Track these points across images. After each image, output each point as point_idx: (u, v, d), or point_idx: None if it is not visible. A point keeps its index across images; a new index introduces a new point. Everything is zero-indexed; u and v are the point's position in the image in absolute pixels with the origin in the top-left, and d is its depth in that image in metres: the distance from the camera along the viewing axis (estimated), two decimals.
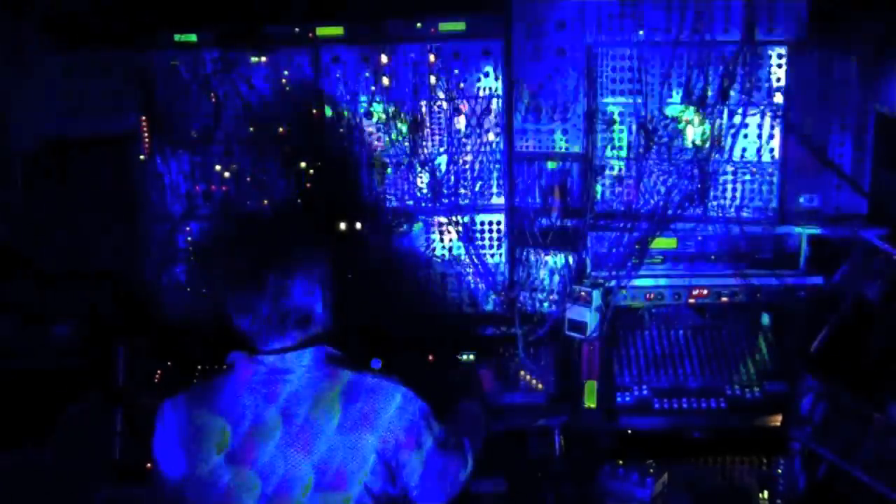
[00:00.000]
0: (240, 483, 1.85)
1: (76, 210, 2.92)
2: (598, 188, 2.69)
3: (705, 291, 2.69)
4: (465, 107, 2.75)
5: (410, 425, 1.92)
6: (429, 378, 2.62)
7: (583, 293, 2.63)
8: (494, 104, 2.74)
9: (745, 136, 2.58)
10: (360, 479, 1.85)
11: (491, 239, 2.85)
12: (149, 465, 2.59)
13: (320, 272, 1.98)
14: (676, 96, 2.58)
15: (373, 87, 2.76)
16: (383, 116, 2.77)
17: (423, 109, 2.76)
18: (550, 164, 2.75)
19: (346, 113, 2.78)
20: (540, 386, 2.76)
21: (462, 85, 2.73)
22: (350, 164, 2.81)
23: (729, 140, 2.58)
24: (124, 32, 2.80)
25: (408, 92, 2.75)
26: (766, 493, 2.57)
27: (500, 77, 2.72)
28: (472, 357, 2.80)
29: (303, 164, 2.83)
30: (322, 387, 1.91)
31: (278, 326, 1.91)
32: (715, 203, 2.64)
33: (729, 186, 2.63)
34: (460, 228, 2.83)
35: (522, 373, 2.79)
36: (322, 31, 2.76)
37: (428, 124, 2.77)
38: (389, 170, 2.82)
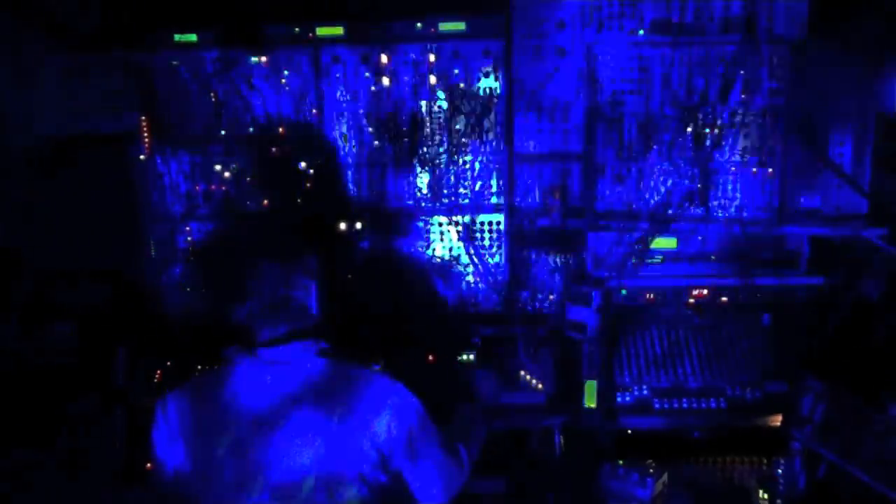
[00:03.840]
0: (242, 476, 1.87)
1: (76, 210, 2.92)
2: (599, 188, 2.69)
3: (705, 291, 2.69)
4: (465, 107, 2.75)
5: (404, 417, 1.94)
6: (429, 378, 2.62)
7: (583, 293, 2.63)
8: (494, 104, 2.74)
9: (746, 136, 2.58)
10: (358, 468, 1.87)
11: (491, 239, 2.85)
12: (149, 464, 2.61)
13: (315, 267, 2.04)
14: (677, 96, 2.58)
15: (373, 87, 2.76)
16: (383, 116, 2.77)
17: (423, 109, 2.76)
18: (550, 164, 2.75)
19: (346, 113, 2.78)
20: (540, 386, 2.76)
21: (462, 85, 2.73)
22: (350, 165, 2.81)
23: (729, 140, 2.58)
24: (124, 32, 2.80)
25: (408, 92, 2.75)
26: (766, 493, 2.56)
27: (500, 77, 2.72)
28: (472, 357, 2.79)
29: (303, 164, 2.83)
30: (318, 379, 1.94)
31: (272, 316, 1.95)
32: (715, 203, 2.64)
33: (729, 186, 2.63)
34: (460, 228, 2.83)
35: (522, 373, 2.79)
36: (322, 31, 2.76)
37: (428, 124, 2.77)
38: (390, 170, 2.82)
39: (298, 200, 2.83)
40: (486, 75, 2.72)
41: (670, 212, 2.65)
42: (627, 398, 2.74)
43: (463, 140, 2.77)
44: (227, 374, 1.97)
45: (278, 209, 2.83)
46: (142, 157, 2.86)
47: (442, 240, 2.86)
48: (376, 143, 2.80)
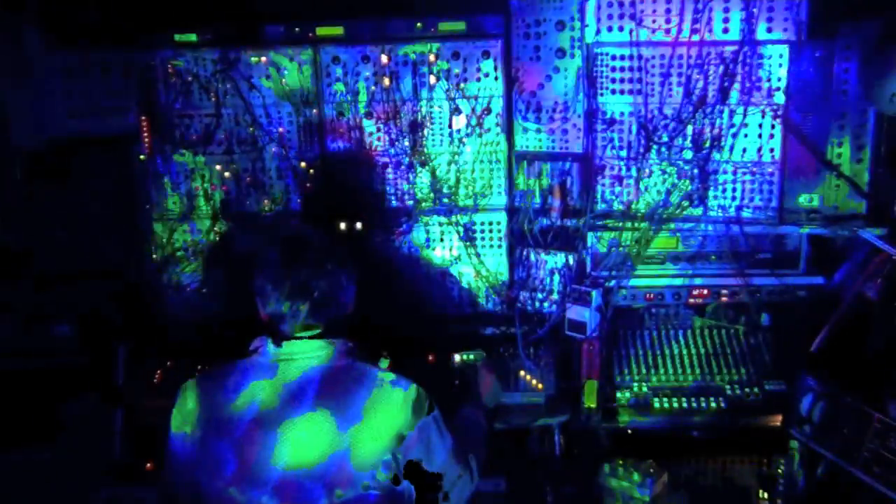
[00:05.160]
0: (246, 470, 1.87)
1: (76, 210, 2.93)
2: (598, 188, 2.69)
3: (705, 291, 2.69)
4: (464, 107, 2.75)
5: (420, 425, 1.94)
6: (429, 378, 2.61)
7: (583, 293, 2.63)
8: (494, 104, 2.74)
9: (745, 136, 2.58)
10: (367, 468, 1.87)
11: (491, 239, 2.85)
12: (148, 465, 2.62)
13: (351, 268, 2.09)
14: (676, 96, 2.58)
15: (373, 87, 2.76)
16: (383, 116, 2.77)
17: (423, 109, 2.76)
18: (550, 164, 2.75)
19: (346, 113, 2.78)
20: (540, 386, 2.76)
21: (462, 85, 2.73)
22: (350, 164, 2.81)
23: (729, 140, 2.58)
24: (124, 32, 2.80)
25: (408, 92, 2.75)
26: (766, 493, 2.56)
27: (500, 77, 2.72)
28: (472, 357, 2.79)
29: (303, 164, 2.83)
30: (336, 376, 1.95)
31: (314, 313, 1.98)
32: (715, 203, 2.64)
33: (729, 186, 2.63)
34: (460, 228, 2.83)
35: (522, 373, 2.79)
36: (322, 31, 2.76)
37: (428, 124, 2.77)
38: (389, 170, 2.82)
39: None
40: (486, 75, 2.72)
41: (670, 212, 2.64)
42: (627, 398, 2.74)
43: (463, 140, 2.77)
44: (243, 366, 1.99)
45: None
46: (142, 157, 2.86)
47: (442, 240, 2.86)
48: (376, 143, 2.80)
